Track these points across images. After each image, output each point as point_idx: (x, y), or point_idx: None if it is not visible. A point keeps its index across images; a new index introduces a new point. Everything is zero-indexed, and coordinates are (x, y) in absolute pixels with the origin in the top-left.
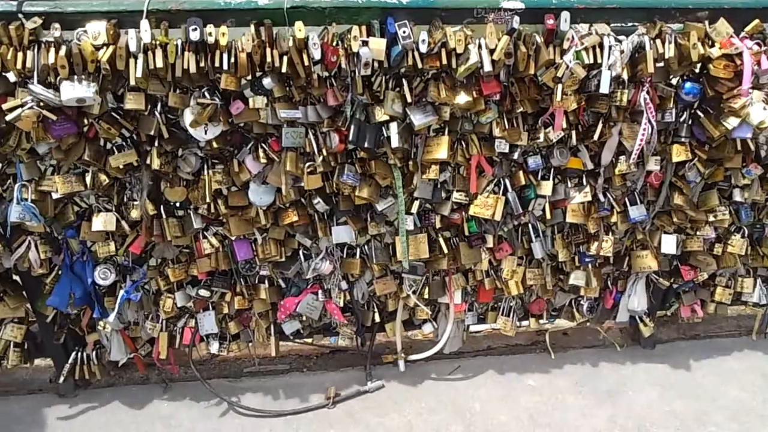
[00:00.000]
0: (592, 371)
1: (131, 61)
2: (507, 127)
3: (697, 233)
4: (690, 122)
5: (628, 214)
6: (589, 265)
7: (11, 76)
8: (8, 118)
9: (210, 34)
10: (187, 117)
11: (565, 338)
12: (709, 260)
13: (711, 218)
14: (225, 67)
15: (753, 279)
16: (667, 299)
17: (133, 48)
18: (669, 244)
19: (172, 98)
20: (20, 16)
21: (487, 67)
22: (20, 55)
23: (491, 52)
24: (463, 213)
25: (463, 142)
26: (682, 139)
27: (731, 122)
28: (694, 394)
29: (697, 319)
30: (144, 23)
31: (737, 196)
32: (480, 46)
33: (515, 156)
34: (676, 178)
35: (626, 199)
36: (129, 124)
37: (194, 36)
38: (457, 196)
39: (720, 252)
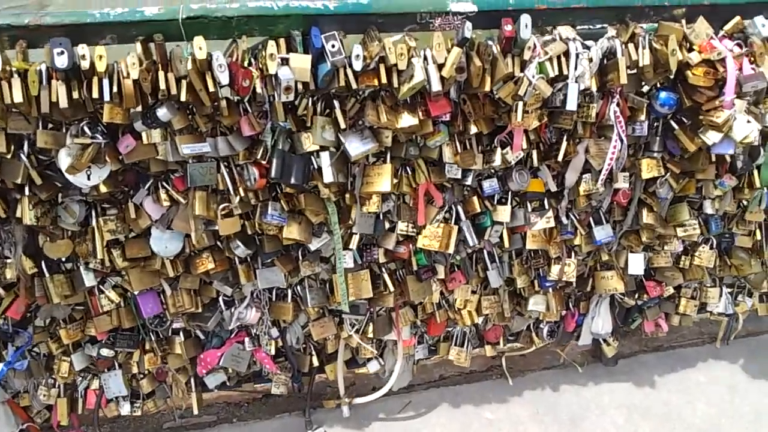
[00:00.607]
0: (552, 396)
1: None
2: (459, 150)
3: (664, 248)
4: (662, 135)
5: (593, 235)
6: (550, 290)
7: None
8: None
9: (83, 57)
10: (63, 161)
11: (522, 361)
12: (675, 275)
13: (680, 232)
14: (107, 97)
15: (719, 288)
16: (630, 315)
17: None
18: (637, 264)
19: (41, 137)
20: None
21: (436, 86)
22: None
23: (440, 67)
24: (411, 245)
25: (408, 169)
26: (654, 154)
27: (711, 137)
28: (660, 413)
29: (661, 333)
30: None
31: (708, 208)
32: (426, 60)
33: (468, 181)
34: (645, 194)
35: (591, 220)
36: None
37: (61, 61)
38: (403, 228)
39: (687, 265)
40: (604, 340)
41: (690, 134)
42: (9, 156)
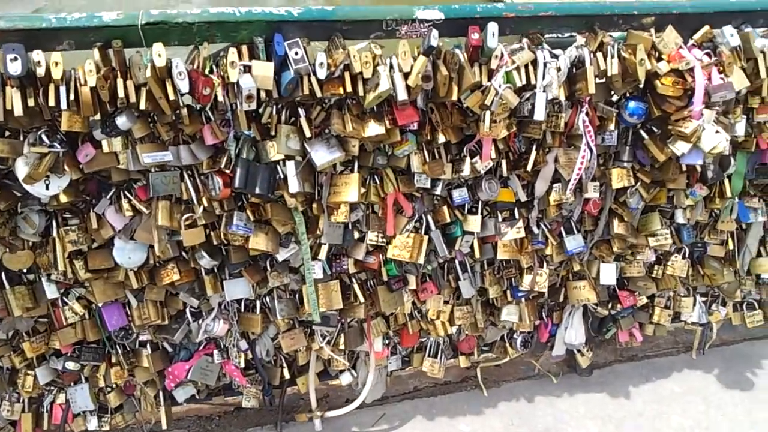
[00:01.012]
0: (527, 408)
1: None
2: (428, 159)
3: (637, 258)
4: (632, 144)
5: (565, 245)
6: (523, 300)
7: None
8: None
9: (38, 63)
10: (21, 170)
11: (497, 371)
12: (648, 284)
13: (652, 242)
14: (64, 105)
15: (692, 298)
16: (604, 325)
17: None
18: (608, 274)
19: None
20: None
21: (402, 95)
22: None
23: (405, 75)
24: (381, 255)
25: (376, 178)
26: (624, 163)
27: (680, 147)
28: (635, 424)
29: (635, 343)
30: None
31: (680, 217)
32: (392, 69)
33: (438, 190)
34: (616, 204)
35: (562, 229)
36: None
37: (14, 69)
38: (373, 238)
39: (660, 274)
40: (579, 351)
41: (660, 144)
42: None
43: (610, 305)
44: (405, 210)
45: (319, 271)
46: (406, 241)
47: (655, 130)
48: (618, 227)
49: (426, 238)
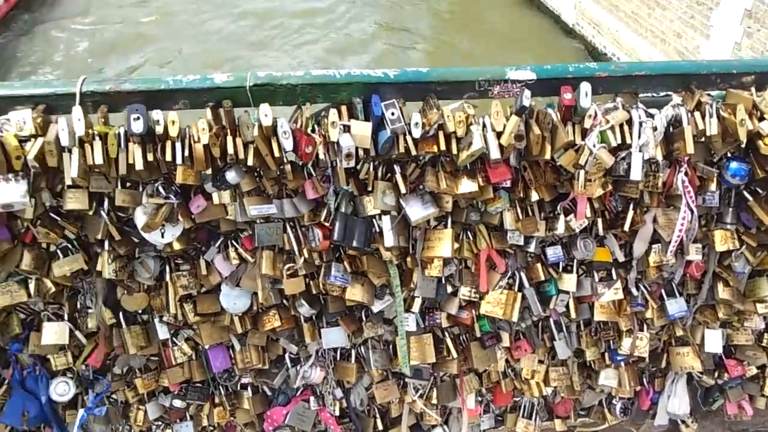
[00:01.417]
0: None
1: (65, 156)
2: (521, 216)
3: (745, 325)
4: (736, 206)
5: (666, 309)
6: (622, 364)
7: None
8: None
9: (157, 122)
10: (140, 219)
11: None
12: (758, 354)
13: (761, 309)
14: (179, 160)
15: None
16: (711, 395)
17: (65, 141)
18: (714, 341)
19: (119, 196)
20: None
21: (494, 154)
22: None
23: (498, 135)
24: (473, 311)
25: (469, 234)
26: (728, 225)
27: None
28: None
29: (745, 417)
30: (77, 111)
31: None
32: (485, 128)
33: (531, 248)
34: (720, 267)
35: (663, 292)
36: (72, 225)
37: (137, 127)
38: (466, 293)
39: None
40: (683, 421)
41: (765, 206)
42: (91, 213)
43: (716, 374)
44: (498, 266)
45: (413, 323)
46: (499, 297)
47: (760, 191)
48: (723, 292)
49: (519, 295)
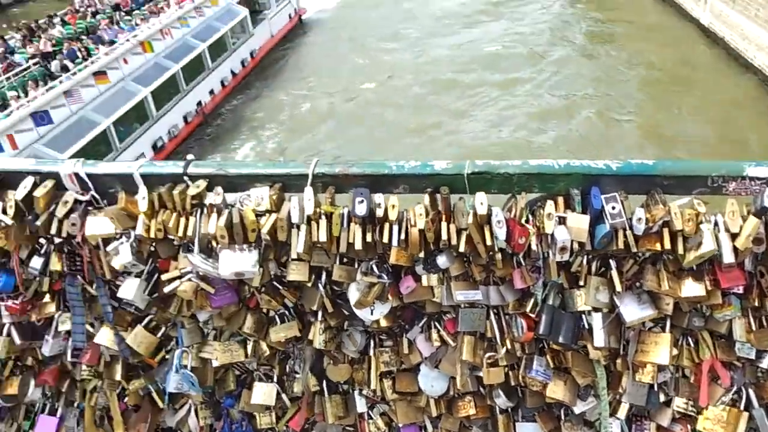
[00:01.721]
0: None
1: (293, 231)
2: (754, 327)
3: None
4: None
5: None
6: None
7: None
8: (166, 289)
9: (378, 205)
10: (353, 295)
11: None
12: None
13: None
14: (395, 243)
15: None
16: None
17: (295, 219)
18: None
19: (337, 271)
20: (185, 178)
21: (728, 257)
22: (182, 220)
23: (733, 236)
24: (689, 425)
25: (690, 340)
26: None
27: None
28: None
29: None
30: (308, 191)
31: None
32: (717, 227)
33: (764, 363)
34: None
35: None
36: (292, 294)
37: (360, 210)
38: (681, 404)
39: None
40: None
41: None
42: (309, 284)
43: None
44: (722, 379)
45: (617, 430)
46: (720, 414)
47: None
48: None
49: (746, 415)
